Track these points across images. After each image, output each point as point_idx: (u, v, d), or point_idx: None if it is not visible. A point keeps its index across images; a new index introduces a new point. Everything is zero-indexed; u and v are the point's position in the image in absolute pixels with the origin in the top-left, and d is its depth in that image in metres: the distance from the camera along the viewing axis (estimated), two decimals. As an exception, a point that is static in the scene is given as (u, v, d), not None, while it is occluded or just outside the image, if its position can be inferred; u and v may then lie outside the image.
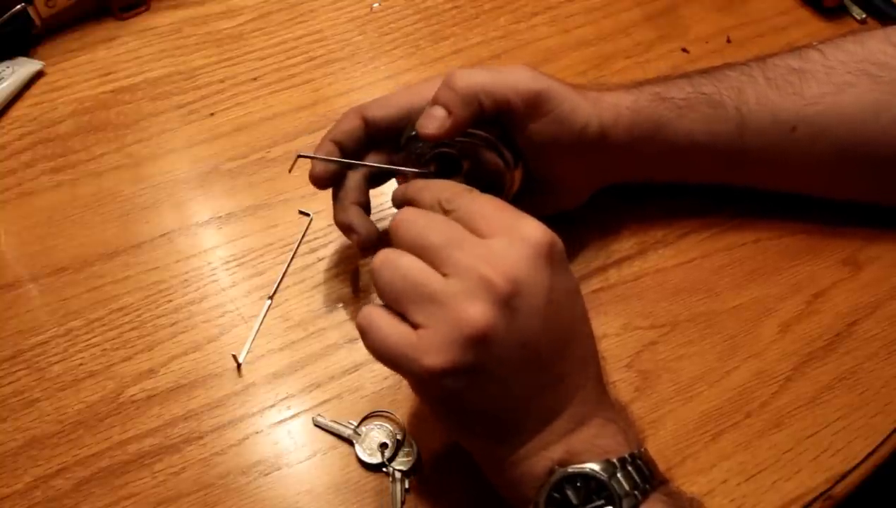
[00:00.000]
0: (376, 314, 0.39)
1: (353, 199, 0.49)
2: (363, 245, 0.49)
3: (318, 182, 0.49)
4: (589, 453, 0.39)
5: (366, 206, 0.50)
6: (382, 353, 0.39)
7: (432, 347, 0.37)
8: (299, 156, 0.48)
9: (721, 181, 0.55)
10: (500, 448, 0.40)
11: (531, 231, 0.39)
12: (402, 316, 0.39)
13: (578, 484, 0.38)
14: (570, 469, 0.38)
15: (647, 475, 0.38)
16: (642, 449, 0.40)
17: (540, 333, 0.38)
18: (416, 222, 0.40)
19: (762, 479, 0.46)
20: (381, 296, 0.40)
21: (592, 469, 0.37)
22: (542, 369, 0.39)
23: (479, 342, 0.37)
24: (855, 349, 0.51)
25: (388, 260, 0.39)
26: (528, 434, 0.39)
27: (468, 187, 0.42)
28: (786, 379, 0.50)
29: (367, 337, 0.39)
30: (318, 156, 0.48)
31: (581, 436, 0.39)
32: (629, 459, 0.38)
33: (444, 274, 0.38)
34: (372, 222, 0.49)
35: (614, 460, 0.38)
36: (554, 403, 0.40)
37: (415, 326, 0.38)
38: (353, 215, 0.49)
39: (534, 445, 0.39)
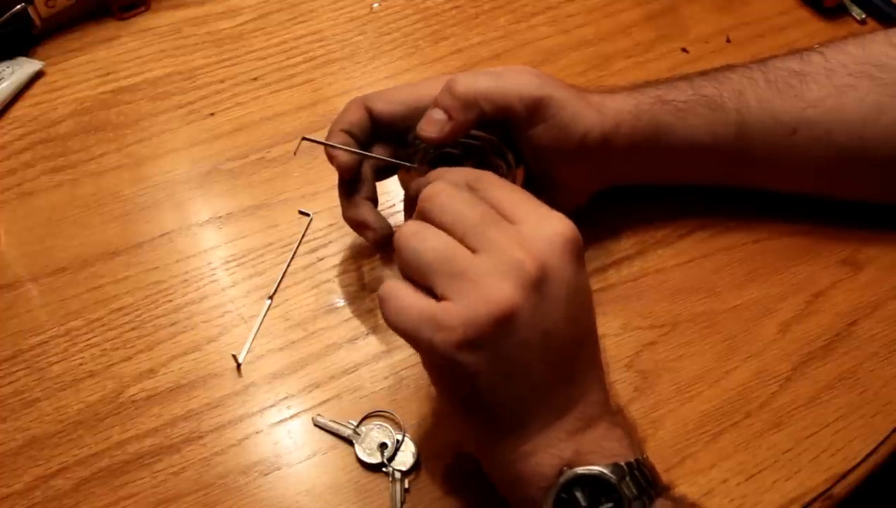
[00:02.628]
0: (398, 285, 0.39)
1: (364, 194, 0.49)
2: (378, 241, 0.49)
3: (345, 170, 0.48)
4: (597, 455, 0.38)
5: (374, 202, 0.50)
6: (401, 323, 0.39)
7: (455, 319, 0.37)
8: (304, 139, 0.47)
9: (722, 183, 0.55)
10: (506, 441, 0.40)
11: (560, 223, 0.39)
12: (425, 290, 0.38)
13: (587, 486, 0.37)
14: (579, 471, 0.38)
15: (651, 480, 0.38)
16: (645, 456, 0.40)
17: (562, 324, 0.38)
18: (453, 197, 0.40)
19: (762, 479, 0.46)
20: (406, 267, 0.39)
21: (602, 472, 0.37)
22: (558, 362, 0.39)
23: (503, 321, 0.36)
24: (855, 349, 0.51)
25: (418, 232, 0.39)
26: (536, 429, 0.39)
27: (493, 174, 0.42)
28: (785, 379, 0.50)
29: (387, 305, 0.39)
30: (322, 141, 0.48)
31: (589, 437, 0.39)
32: (635, 464, 0.38)
33: (475, 251, 0.38)
34: (384, 218, 0.49)
35: (622, 464, 0.38)
36: (564, 400, 0.39)
37: (438, 299, 0.38)
38: (367, 211, 0.49)
39: (541, 441, 0.39)
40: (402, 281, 0.40)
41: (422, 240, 0.39)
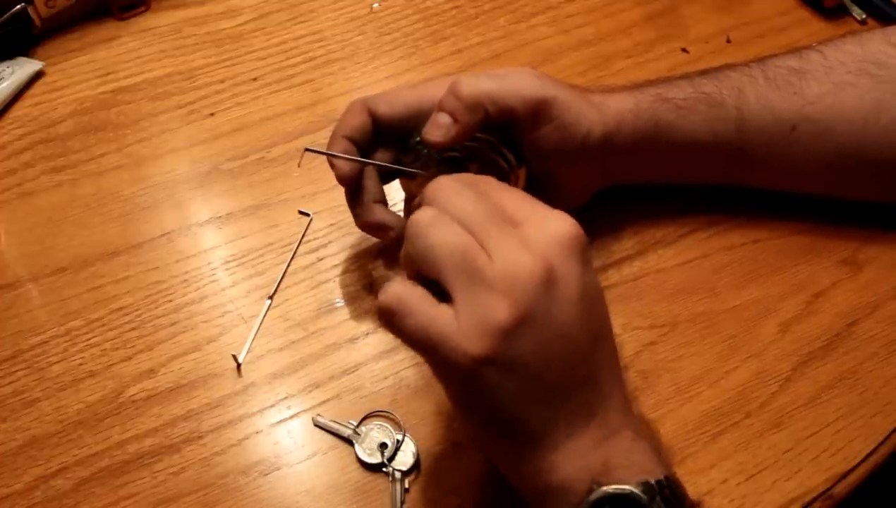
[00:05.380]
0: (408, 292, 0.38)
1: (373, 198, 0.49)
2: (399, 240, 0.47)
3: (345, 180, 0.48)
4: (625, 469, 0.37)
5: (384, 204, 0.50)
6: (418, 337, 0.37)
7: (475, 332, 0.35)
8: (307, 150, 0.47)
9: (722, 181, 0.55)
10: (533, 453, 0.38)
11: (563, 222, 0.38)
12: (432, 285, 0.37)
13: (616, 504, 0.36)
14: (610, 490, 0.36)
15: (680, 498, 0.37)
16: (672, 471, 0.38)
17: (574, 324, 0.37)
18: (460, 193, 0.39)
19: (762, 479, 0.46)
20: (417, 258, 0.38)
21: (633, 492, 0.36)
22: (577, 364, 0.38)
23: (518, 326, 0.36)
24: (855, 349, 0.51)
25: (434, 222, 0.38)
26: (562, 437, 0.38)
27: (492, 178, 0.42)
28: (785, 379, 0.50)
29: (399, 317, 0.37)
30: (325, 151, 0.48)
31: (616, 448, 0.38)
32: (665, 482, 0.37)
33: (486, 251, 0.37)
34: (400, 216, 0.49)
35: (653, 482, 0.36)
36: (586, 405, 0.38)
37: (450, 301, 0.37)
38: (382, 212, 0.49)
39: (568, 451, 0.38)
40: (409, 284, 0.38)
41: (438, 231, 0.37)
